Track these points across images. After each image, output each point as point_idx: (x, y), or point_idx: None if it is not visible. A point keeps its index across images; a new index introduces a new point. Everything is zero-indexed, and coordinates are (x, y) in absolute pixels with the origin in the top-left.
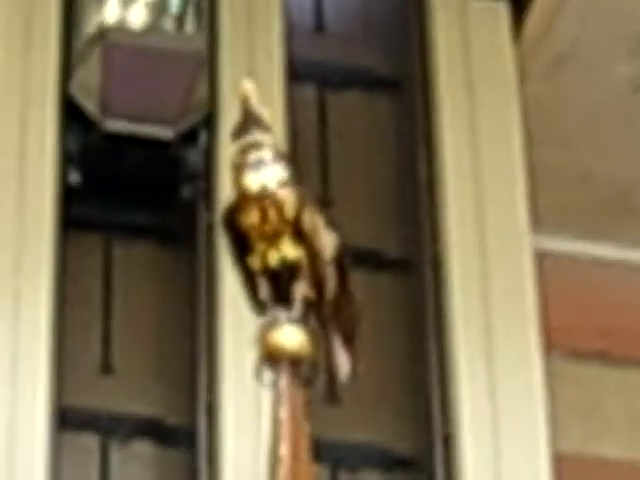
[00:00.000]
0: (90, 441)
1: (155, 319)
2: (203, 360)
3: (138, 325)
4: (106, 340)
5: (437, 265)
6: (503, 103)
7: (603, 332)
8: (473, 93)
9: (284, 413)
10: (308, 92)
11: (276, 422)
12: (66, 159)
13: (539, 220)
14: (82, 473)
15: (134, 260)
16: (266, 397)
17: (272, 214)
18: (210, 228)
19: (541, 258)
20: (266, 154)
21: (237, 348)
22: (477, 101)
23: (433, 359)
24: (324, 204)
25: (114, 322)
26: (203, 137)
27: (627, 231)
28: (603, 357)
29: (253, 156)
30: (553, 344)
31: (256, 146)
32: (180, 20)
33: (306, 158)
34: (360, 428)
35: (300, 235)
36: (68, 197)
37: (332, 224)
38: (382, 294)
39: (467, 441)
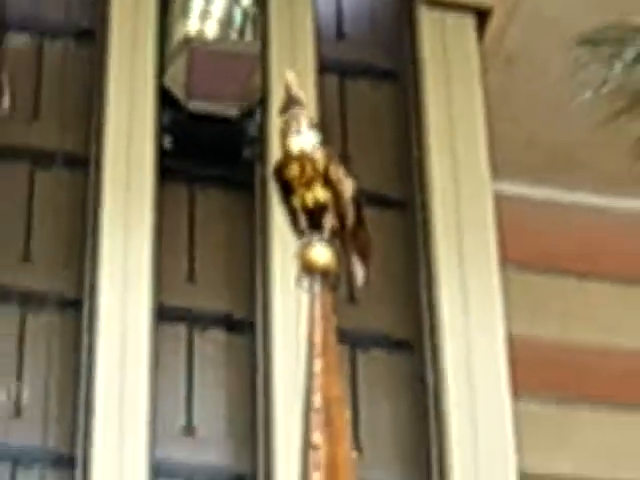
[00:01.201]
0: (179, 331)
1: (227, 244)
2: (260, 272)
3: (214, 248)
4: (191, 260)
5: (424, 206)
6: (470, 88)
7: (549, 253)
8: (449, 80)
9: (317, 310)
10: (332, 80)
11: (311, 317)
12: (161, 130)
13: (498, 171)
14: (173, 356)
15: (211, 202)
16: (304, 298)
17: (308, 168)
18: (264, 179)
19: (500, 200)
20: (303, 124)
21: (284, 263)
22: (452, 86)
23: (423, 274)
24: (344, 159)
25: (197, 247)
26: (258, 113)
27: (568, 178)
28: (547, 269)
29: (294, 126)
30: (508, 259)
31: (296, 119)
32: (241, 31)
33: (331, 127)
34: (371, 320)
35: (328, 182)
36: (163, 157)
37: (350, 174)
38: (386, 227)
39: (447, 330)
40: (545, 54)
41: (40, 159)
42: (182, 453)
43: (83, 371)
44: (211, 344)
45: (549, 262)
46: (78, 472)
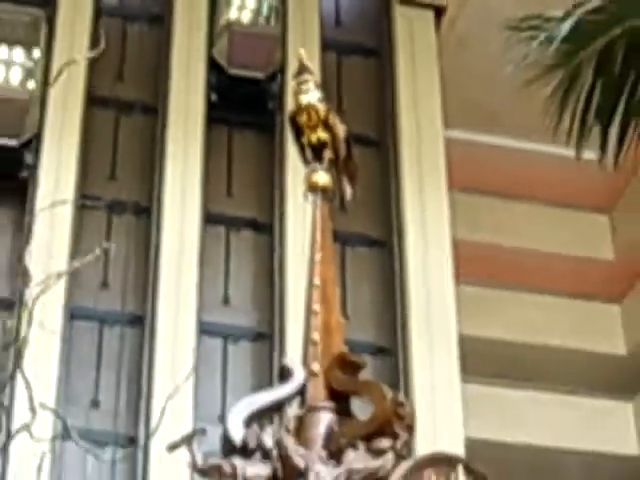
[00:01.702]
0: (220, 232)
1: (255, 170)
2: (278, 189)
3: (246, 173)
4: (229, 180)
5: (395, 146)
6: (430, 62)
7: (484, 182)
8: (415, 57)
9: (318, 217)
10: (332, 55)
11: (314, 222)
12: (210, 88)
13: (449, 122)
14: (215, 252)
15: (244, 140)
16: (310, 209)
17: (313, 116)
18: (283, 124)
19: (449, 143)
20: (310, 85)
21: (295, 183)
22: (417, 61)
23: (393, 194)
24: (339, 111)
25: (234, 173)
26: (279, 77)
27: (499, 128)
28: (483, 193)
29: (304, 87)
30: (454, 185)
31: (305, 82)
32: (267, 18)
33: (330, 88)
34: (356, 225)
35: (327, 126)
36: (210, 108)
37: (343, 121)
38: (367, 160)
39: (410, 235)
40: (486, 37)
41: (123, 109)
42: (220, 318)
43: (151, 264)
44: (242, 242)
45: (484, 188)
46: (147, 330)
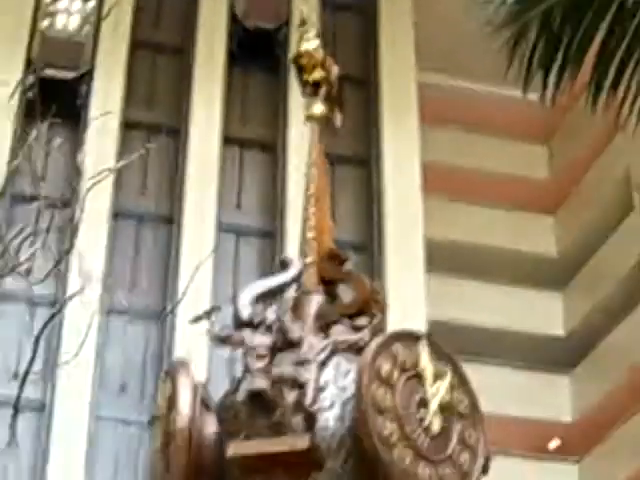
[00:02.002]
0: (235, 152)
1: (265, 100)
2: (282, 117)
3: (257, 104)
4: (243, 108)
5: (377, 83)
6: (407, 21)
7: (450, 118)
8: (396, 15)
9: (315, 139)
10: (329, 11)
11: (312, 143)
12: (231, 38)
13: (422, 66)
14: (231, 166)
15: (256, 78)
16: (308, 132)
17: (313, 59)
18: (287, 65)
19: (422, 86)
20: (311, 36)
21: (298, 113)
22: (398, 19)
23: (373, 121)
24: (333, 56)
25: (249, 103)
26: (285, 29)
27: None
28: (447, 126)
29: (305, 36)
30: (425, 119)
31: (306, 32)
32: None
33: (327, 36)
34: (343, 147)
35: (323, 67)
36: (231, 57)
37: (336, 63)
38: (353, 96)
39: (385, 155)
40: None
41: (159, 51)
42: (235, 219)
43: (179, 177)
44: (253, 159)
45: (450, 122)
46: (175, 227)
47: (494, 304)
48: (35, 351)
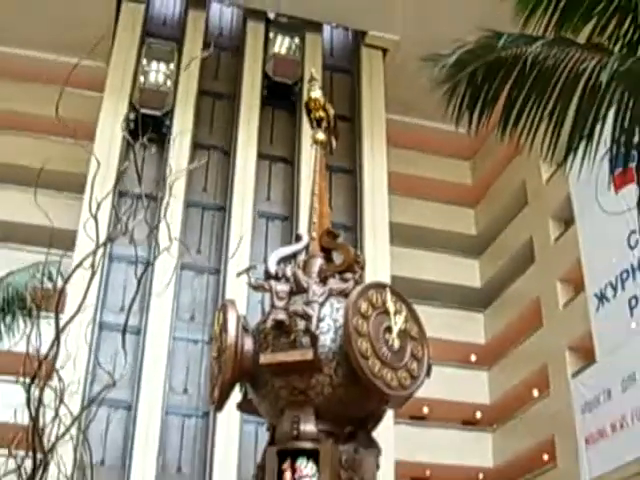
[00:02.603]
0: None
1: (285, 130)
2: (297, 141)
3: (280, 130)
4: (271, 147)
5: (359, 122)
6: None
7: (417, 146)
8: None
9: (319, 157)
10: (327, 73)
11: (315, 160)
12: (263, 87)
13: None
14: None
15: (280, 115)
16: (314, 152)
17: (317, 103)
18: (301, 106)
19: (390, 122)
20: (316, 88)
21: (306, 139)
22: (373, 86)
23: (357, 146)
24: (330, 101)
25: (274, 133)
26: (300, 83)
27: None
28: (416, 149)
29: (313, 88)
30: (392, 145)
31: (314, 85)
32: (294, 52)
33: (325, 88)
34: (337, 160)
35: (325, 109)
36: (262, 99)
37: (333, 107)
38: (343, 130)
39: (366, 165)
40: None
41: (216, 98)
42: (267, 208)
43: (229, 178)
44: (277, 171)
45: (408, 145)
46: (227, 213)
47: (433, 266)
48: (137, 292)
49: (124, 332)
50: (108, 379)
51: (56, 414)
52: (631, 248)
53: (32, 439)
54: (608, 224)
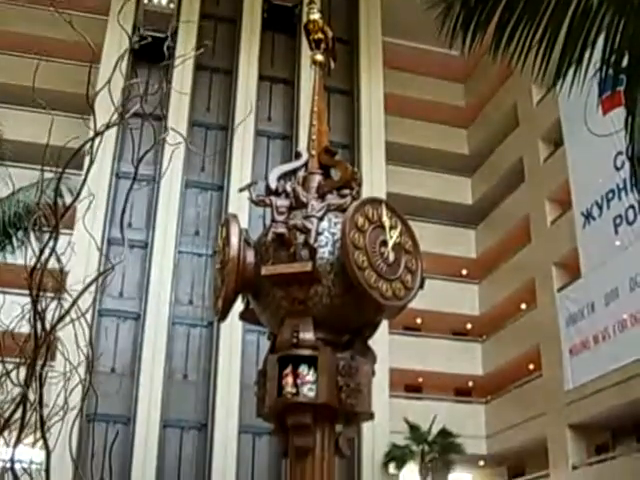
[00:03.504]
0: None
1: (285, 53)
2: (297, 63)
3: (280, 52)
4: (272, 60)
5: (357, 45)
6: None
7: (411, 68)
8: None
9: (318, 74)
10: None
11: (314, 79)
12: (263, 11)
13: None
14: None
15: (280, 38)
16: (312, 73)
17: (316, 25)
18: (300, 30)
19: (386, 45)
20: (315, 10)
21: (306, 58)
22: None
23: (354, 65)
24: (328, 24)
25: (275, 53)
26: (299, 6)
27: None
28: (411, 72)
29: (312, 11)
30: (388, 67)
31: (313, 7)
32: None
33: (324, 12)
34: (334, 81)
35: (323, 31)
36: (265, 25)
37: (331, 29)
38: (341, 50)
39: (364, 87)
40: None
41: (218, 21)
42: (267, 127)
43: (231, 98)
44: (278, 90)
45: (401, 68)
46: (229, 133)
47: (427, 183)
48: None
49: (130, 247)
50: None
51: (58, 298)
52: (617, 169)
53: (33, 316)
54: (596, 146)
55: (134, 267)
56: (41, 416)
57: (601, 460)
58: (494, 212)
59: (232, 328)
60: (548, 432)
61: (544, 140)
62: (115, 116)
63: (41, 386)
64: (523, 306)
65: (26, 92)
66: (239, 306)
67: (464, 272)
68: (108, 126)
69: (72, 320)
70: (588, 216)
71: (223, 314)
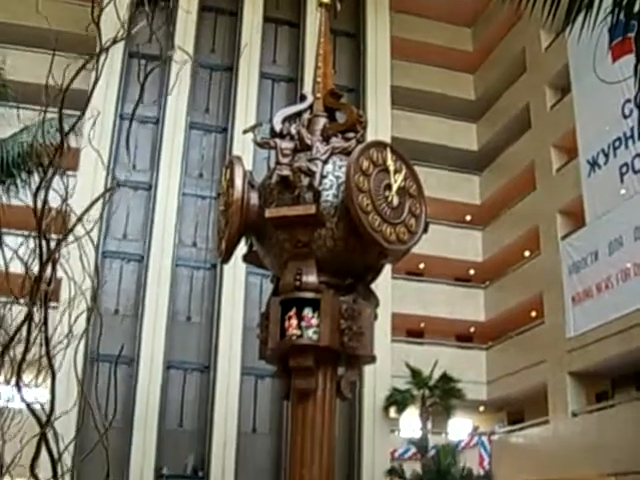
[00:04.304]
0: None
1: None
2: (303, 4)
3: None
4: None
5: None
6: None
7: (416, 11)
8: None
9: (323, 18)
10: None
11: (321, 21)
12: None
13: None
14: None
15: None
16: (319, 14)
17: None
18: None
19: None
20: None
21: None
22: None
23: (361, 9)
24: None
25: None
26: None
27: None
28: (417, 15)
29: None
30: (394, 11)
31: None
32: None
33: None
34: (343, 23)
35: None
36: None
37: None
38: None
39: (370, 31)
40: None
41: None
42: (271, 70)
43: (236, 38)
44: (283, 33)
45: (408, 10)
46: (233, 74)
47: (432, 129)
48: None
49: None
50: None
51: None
52: (625, 117)
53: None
54: (604, 93)
55: (138, 209)
56: (46, 337)
57: (601, 408)
58: (499, 158)
59: (235, 271)
60: (548, 379)
61: (551, 86)
62: (121, 33)
63: (46, 306)
64: (526, 253)
65: (29, 31)
66: (242, 248)
67: (468, 218)
68: (115, 41)
69: (77, 238)
70: (594, 164)
71: (226, 256)
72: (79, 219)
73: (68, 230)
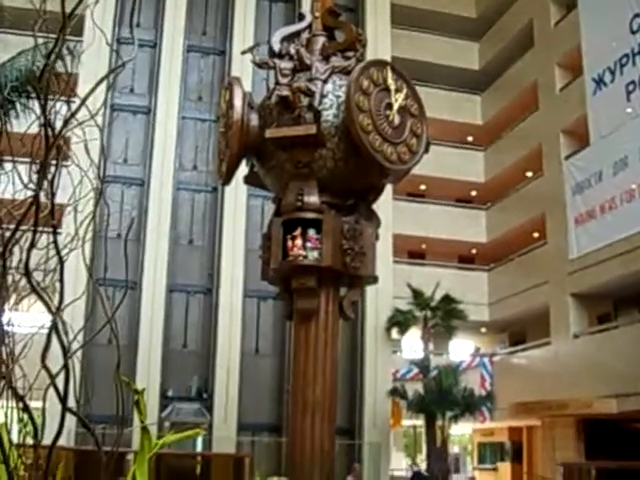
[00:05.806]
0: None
1: None
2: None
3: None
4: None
5: None
6: None
7: None
8: None
9: None
10: None
11: None
12: None
13: None
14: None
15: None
16: None
17: None
18: None
19: None
20: None
21: None
22: None
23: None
24: None
25: None
26: None
27: None
28: None
29: None
30: None
31: None
32: None
33: None
34: None
35: None
36: None
37: None
38: None
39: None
40: None
41: None
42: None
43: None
44: (279, 8)
45: None
46: (229, 11)
47: (432, 48)
48: None
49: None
50: None
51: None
52: (633, 32)
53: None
54: (611, 8)
55: (137, 133)
56: (53, 226)
57: (602, 329)
58: (501, 78)
59: (236, 193)
60: (550, 300)
61: (556, 2)
62: None
63: (52, 190)
64: (529, 174)
65: None
66: (243, 170)
67: (470, 139)
68: None
69: (80, 123)
70: (599, 82)
71: (227, 177)
72: (84, 101)
73: (73, 111)
